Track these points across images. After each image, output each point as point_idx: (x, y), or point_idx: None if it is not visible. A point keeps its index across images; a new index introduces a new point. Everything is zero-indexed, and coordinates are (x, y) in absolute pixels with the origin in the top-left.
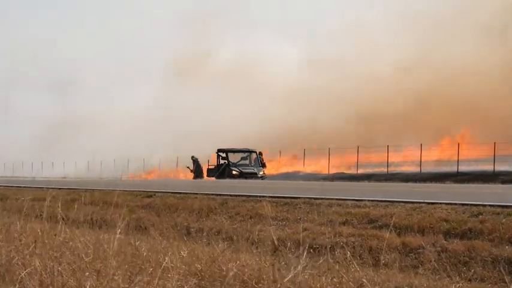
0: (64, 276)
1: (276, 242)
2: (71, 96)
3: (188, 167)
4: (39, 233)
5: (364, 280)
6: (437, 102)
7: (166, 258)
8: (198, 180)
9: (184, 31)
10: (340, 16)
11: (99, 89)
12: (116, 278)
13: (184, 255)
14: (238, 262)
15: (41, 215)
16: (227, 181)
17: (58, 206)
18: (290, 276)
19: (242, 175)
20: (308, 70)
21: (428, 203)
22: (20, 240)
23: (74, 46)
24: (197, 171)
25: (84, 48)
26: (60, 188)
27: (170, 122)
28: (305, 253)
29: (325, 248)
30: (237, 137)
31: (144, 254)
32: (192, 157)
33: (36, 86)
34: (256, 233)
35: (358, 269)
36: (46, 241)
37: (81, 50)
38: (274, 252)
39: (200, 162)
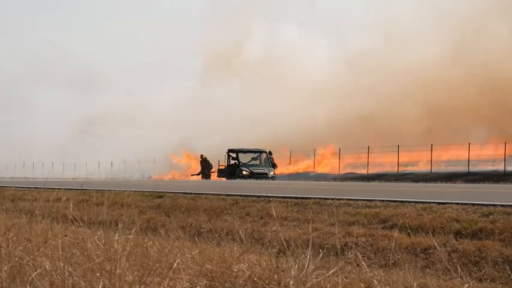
0: (75, 277)
1: (284, 243)
2: (97, 95)
3: (193, 175)
4: (50, 234)
5: (375, 280)
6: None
7: (177, 259)
8: (204, 180)
9: (214, 25)
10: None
11: (126, 87)
12: (126, 278)
13: (195, 255)
14: (248, 263)
15: (51, 215)
16: (237, 181)
17: (69, 207)
18: (300, 276)
19: (252, 175)
20: (340, 66)
21: (439, 203)
22: (31, 241)
23: (99, 42)
24: (204, 171)
25: (110, 44)
26: (71, 189)
27: (199, 119)
28: (312, 253)
29: (336, 248)
30: (270, 133)
31: (155, 254)
32: (201, 156)
33: (61, 85)
34: (267, 233)
35: (368, 270)
36: (56, 242)
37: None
38: (284, 252)
39: (210, 161)
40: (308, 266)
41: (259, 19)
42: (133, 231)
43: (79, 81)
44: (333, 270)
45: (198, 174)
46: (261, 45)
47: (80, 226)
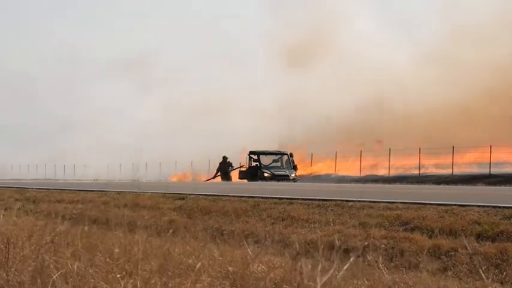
0: (96, 278)
1: (305, 245)
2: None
3: (208, 179)
4: (72, 235)
5: (397, 283)
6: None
7: (199, 261)
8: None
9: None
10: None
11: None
12: (149, 281)
13: (217, 257)
14: (270, 264)
15: (72, 217)
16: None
17: (90, 209)
18: (325, 279)
19: (274, 177)
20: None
21: (460, 205)
22: (53, 242)
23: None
24: (226, 171)
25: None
26: (91, 191)
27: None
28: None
29: (357, 250)
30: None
31: (176, 256)
32: (224, 157)
33: None
34: (288, 235)
35: (389, 272)
36: (78, 243)
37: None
38: (301, 255)
39: (231, 163)
40: (332, 269)
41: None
42: (152, 232)
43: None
44: (355, 272)
45: (214, 177)
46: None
47: (102, 227)
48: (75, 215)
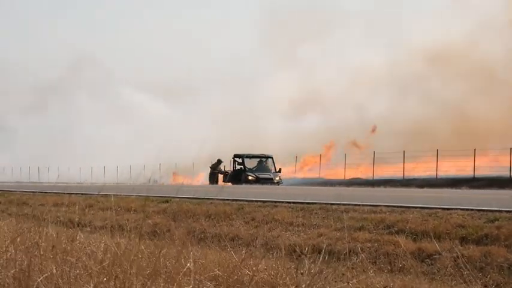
0: (81, 281)
1: (289, 248)
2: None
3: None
4: (56, 238)
5: (383, 286)
6: None
7: (184, 264)
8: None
9: None
10: None
11: None
12: (133, 283)
13: (201, 260)
14: (254, 268)
15: (58, 220)
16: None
17: (75, 211)
18: (307, 282)
19: (258, 180)
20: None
21: (444, 209)
22: (38, 245)
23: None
24: (211, 174)
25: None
26: (76, 194)
27: None
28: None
29: (342, 253)
30: None
31: (161, 259)
32: (218, 160)
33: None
34: (272, 238)
35: (375, 275)
36: (63, 246)
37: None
38: (292, 257)
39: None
40: (317, 271)
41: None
42: (137, 235)
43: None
44: (339, 275)
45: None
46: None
47: (87, 230)
48: (59, 218)
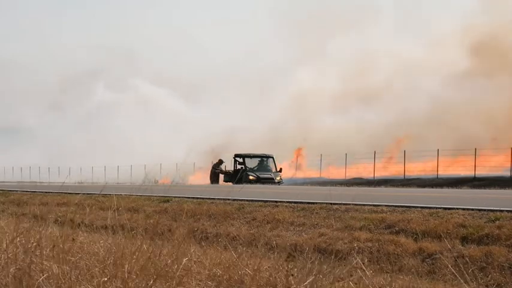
0: (81, 281)
1: (292, 248)
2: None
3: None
4: (57, 238)
5: (383, 284)
6: None
7: (185, 263)
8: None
9: None
10: None
11: None
12: (134, 282)
13: (202, 260)
14: (255, 267)
15: (59, 220)
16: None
17: (75, 211)
18: (308, 281)
19: (259, 180)
20: None
21: (445, 208)
22: (39, 245)
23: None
24: (212, 173)
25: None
26: (77, 193)
27: None
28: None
29: (343, 253)
30: None
31: (162, 258)
32: (220, 160)
33: None
34: (273, 238)
35: (375, 275)
36: (63, 246)
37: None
38: (293, 257)
39: (222, 167)
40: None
41: None
42: (138, 235)
43: None
44: (341, 275)
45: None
46: None
47: (88, 230)
48: (60, 217)
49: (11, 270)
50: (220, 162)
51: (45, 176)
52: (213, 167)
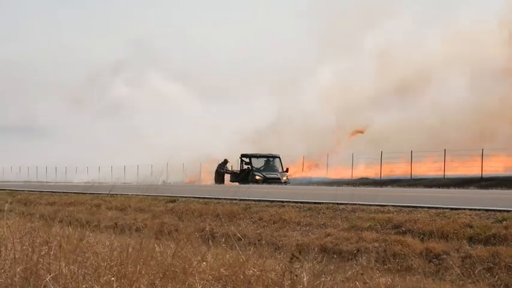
0: (89, 280)
1: (298, 248)
2: None
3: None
4: (64, 238)
5: (390, 285)
6: None
7: (191, 263)
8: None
9: None
10: None
11: None
12: (140, 282)
13: (209, 260)
14: (261, 267)
15: (66, 219)
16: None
17: (82, 211)
18: (315, 282)
19: (265, 180)
20: None
21: (452, 209)
22: (46, 244)
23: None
24: (217, 174)
25: None
26: (84, 193)
27: None
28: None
29: (349, 253)
30: None
31: (169, 258)
32: (225, 160)
33: None
34: (280, 238)
35: (382, 275)
36: (70, 246)
37: None
38: (296, 258)
39: (228, 167)
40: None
41: None
42: (145, 235)
43: None
44: (348, 275)
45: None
46: None
47: (95, 230)
48: (66, 217)
49: (18, 269)
50: (225, 162)
51: (61, 175)
52: (218, 167)
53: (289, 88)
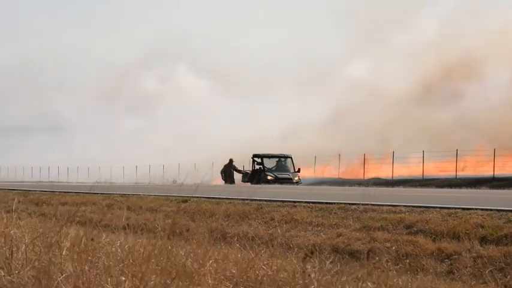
0: (100, 281)
1: (310, 248)
2: None
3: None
4: (76, 238)
5: (402, 285)
6: None
7: (202, 263)
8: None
9: None
10: None
11: None
12: (151, 282)
13: (220, 260)
14: (273, 267)
15: (77, 220)
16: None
17: (94, 211)
18: (327, 282)
19: (277, 180)
20: None
21: (464, 209)
22: (58, 245)
23: None
24: (226, 175)
25: None
26: (96, 193)
27: None
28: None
29: (361, 253)
30: None
31: (180, 258)
32: (230, 160)
33: None
34: (291, 238)
35: (394, 275)
36: (82, 246)
37: None
38: (309, 258)
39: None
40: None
41: None
42: (156, 235)
43: None
44: (360, 275)
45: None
46: None
47: (106, 230)
48: (78, 217)
49: (30, 269)
50: (231, 162)
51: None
52: (224, 168)
53: (319, 85)
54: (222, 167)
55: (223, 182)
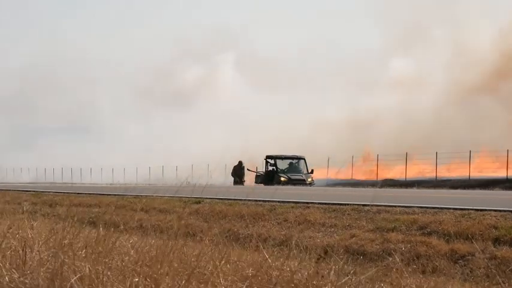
0: (114, 282)
1: (323, 249)
2: None
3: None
4: (89, 239)
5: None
6: None
7: (216, 265)
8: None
9: None
10: None
11: None
12: (165, 283)
13: (234, 261)
14: (287, 268)
15: (90, 220)
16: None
17: (107, 212)
18: (341, 282)
19: (290, 182)
20: None
21: (477, 210)
22: (71, 246)
23: None
24: (241, 177)
25: None
26: (108, 194)
27: None
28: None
29: (374, 254)
30: None
31: (193, 260)
32: (239, 162)
33: None
34: (305, 239)
35: (408, 276)
36: (96, 246)
37: None
38: (324, 258)
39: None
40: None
41: None
42: (170, 236)
43: None
44: (374, 276)
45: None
46: None
47: (120, 231)
48: (92, 218)
49: (44, 270)
50: (240, 164)
51: (77, 177)
52: (234, 169)
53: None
54: (232, 169)
55: (235, 183)
